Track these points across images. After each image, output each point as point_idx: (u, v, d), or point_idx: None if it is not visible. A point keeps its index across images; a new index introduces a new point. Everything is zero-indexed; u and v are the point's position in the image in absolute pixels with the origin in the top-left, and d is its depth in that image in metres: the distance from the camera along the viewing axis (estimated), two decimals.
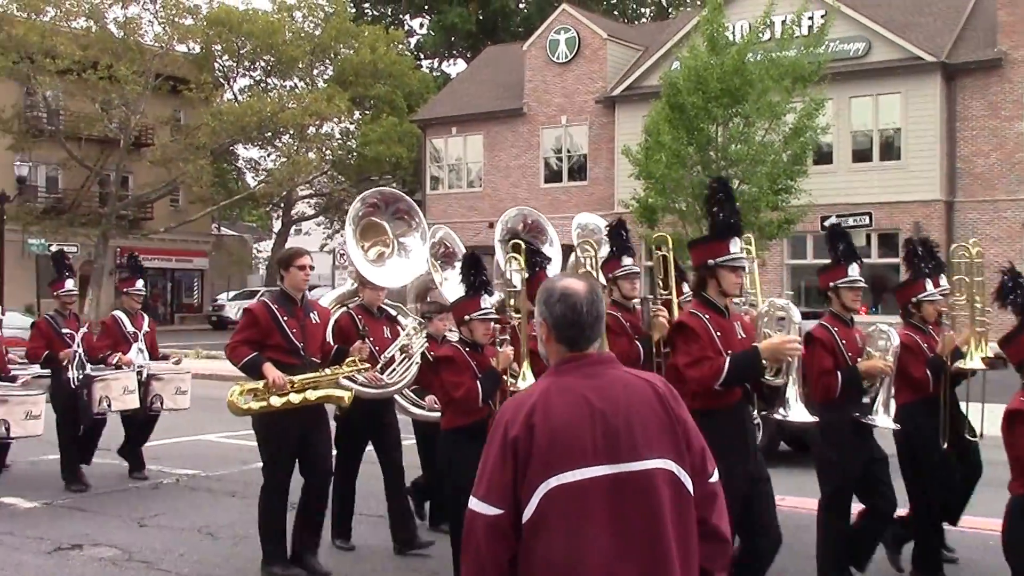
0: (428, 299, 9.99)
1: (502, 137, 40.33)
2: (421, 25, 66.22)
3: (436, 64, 66.65)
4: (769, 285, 34.28)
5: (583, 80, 38.49)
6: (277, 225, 59.77)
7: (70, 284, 11.86)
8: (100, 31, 44.12)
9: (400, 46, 55.35)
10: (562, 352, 3.39)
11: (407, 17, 65.83)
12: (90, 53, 42.41)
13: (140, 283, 12.27)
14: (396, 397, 9.07)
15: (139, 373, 11.74)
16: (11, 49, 41.21)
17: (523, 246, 7.89)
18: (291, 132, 47.87)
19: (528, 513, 3.18)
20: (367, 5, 64.89)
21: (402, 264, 9.45)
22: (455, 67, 64.43)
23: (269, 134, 48.19)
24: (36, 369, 12.34)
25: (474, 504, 3.25)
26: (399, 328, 9.15)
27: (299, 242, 66.42)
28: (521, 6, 62.37)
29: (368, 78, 50.12)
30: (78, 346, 11.29)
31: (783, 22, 26.65)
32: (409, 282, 9.73)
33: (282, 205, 55.68)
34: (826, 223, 23.25)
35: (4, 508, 10.51)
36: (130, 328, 12.01)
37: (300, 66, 50.62)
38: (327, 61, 52.20)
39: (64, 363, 11.28)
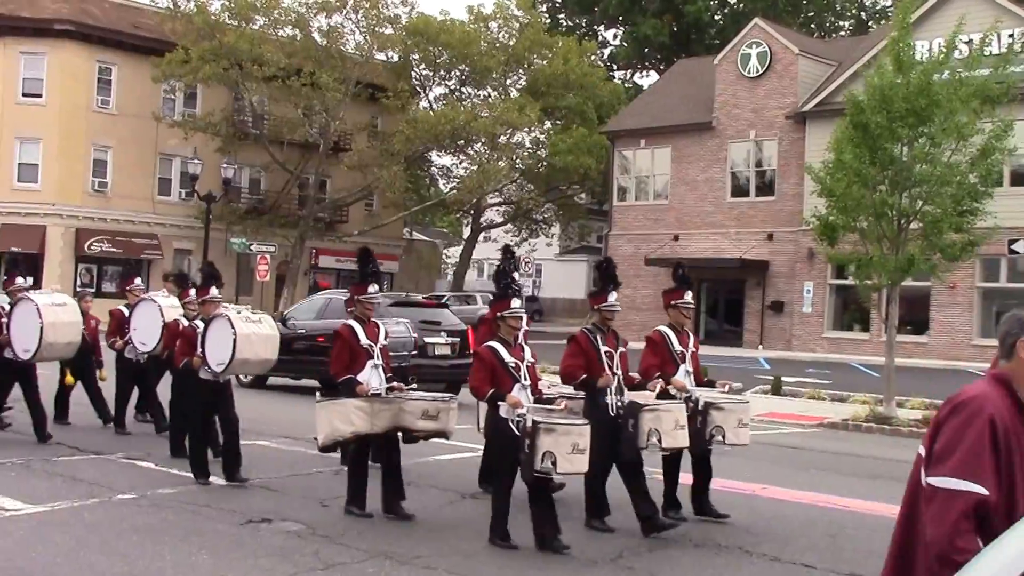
0: None
1: (690, 150, 40.25)
2: (615, 36, 66.64)
3: (628, 75, 66.87)
4: (959, 308, 33.26)
5: (774, 95, 38.10)
6: (467, 232, 60.97)
7: (612, 298, 9.96)
8: (305, 39, 45.94)
9: (593, 57, 55.67)
10: None
11: (601, 28, 66.29)
12: (295, 61, 44.26)
13: (614, 296, 10.11)
14: None
15: (692, 402, 10.12)
16: (223, 56, 43.30)
17: None
18: (483, 140, 48.71)
19: None
20: (562, 16, 65.61)
21: None
22: (647, 78, 64.57)
23: (461, 142, 49.15)
24: (566, 389, 10.67)
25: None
26: None
27: (486, 249, 67.73)
28: (717, 18, 62.02)
29: (560, 89, 50.58)
30: (617, 368, 9.74)
31: (982, 39, 25.85)
32: None
33: (472, 212, 56.71)
34: (1013, 246, 22.52)
35: (202, 484, 11.21)
36: (677, 347, 10.40)
37: (494, 76, 51.38)
38: (520, 71, 52.88)
39: (601, 388, 9.70)
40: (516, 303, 9.24)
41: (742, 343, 38.16)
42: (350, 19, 46.72)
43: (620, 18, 63.18)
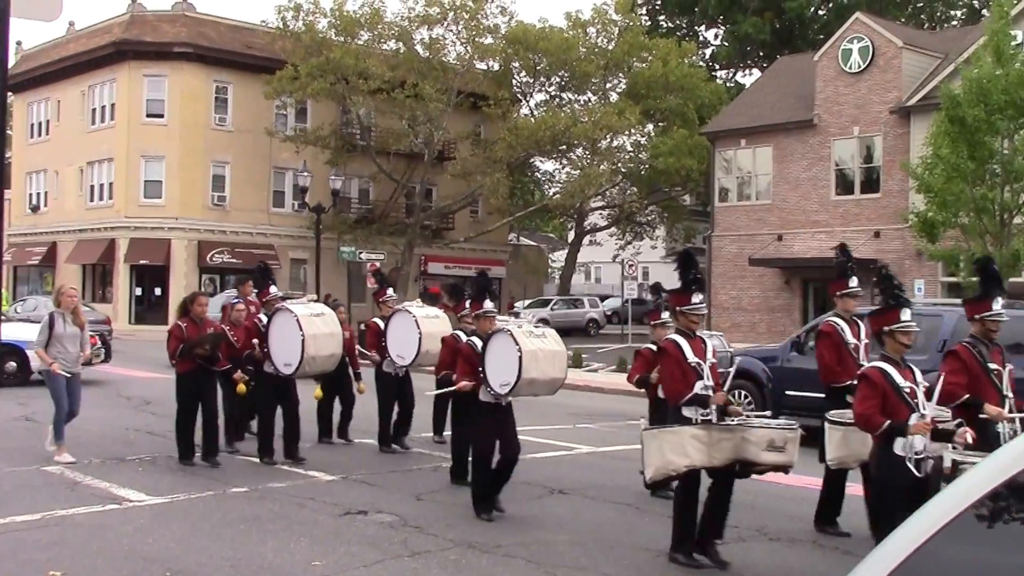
0: None
1: (792, 149, 40.11)
2: (716, 36, 66.47)
3: (731, 75, 66.65)
4: None
5: (876, 90, 37.79)
6: (572, 236, 61.50)
7: (998, 305, 8.62)
8: (408, 52, 46.93)
9: (693, 57, 55.68)
10: None
11: (702, 28, 66.18)
12: (398, 73, 45.24)
13: (999, 303, 8.76)
14: None
15: None
16: (330, 72, 44.53)
17: None
18: (584, 145, 49.15)
19: None
20: (662, 17, 65.70)
21: None
22: (750, 77, 64.29)
23: (563, 147, 49.66)
24: None
25: None
26: None
27: (591, 253, 68.21)
28: (820, 13, 61.52)
29: (659, 91, 50.61)
30: (1007, 388, 8.43)
31: None
32: None
33: (575, 216, 57.23)
34: None
35: (309, 480, 12.10)
36: (992, 366, 8.76)
37: (593, 80, 51.73)
38: (620, 75, 53.16)
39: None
40: (906, 315, 7.77)
41: None
42: (451, 31, 47.58)
43: (720, 17, 63.03)
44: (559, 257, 69.85)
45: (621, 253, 55.70)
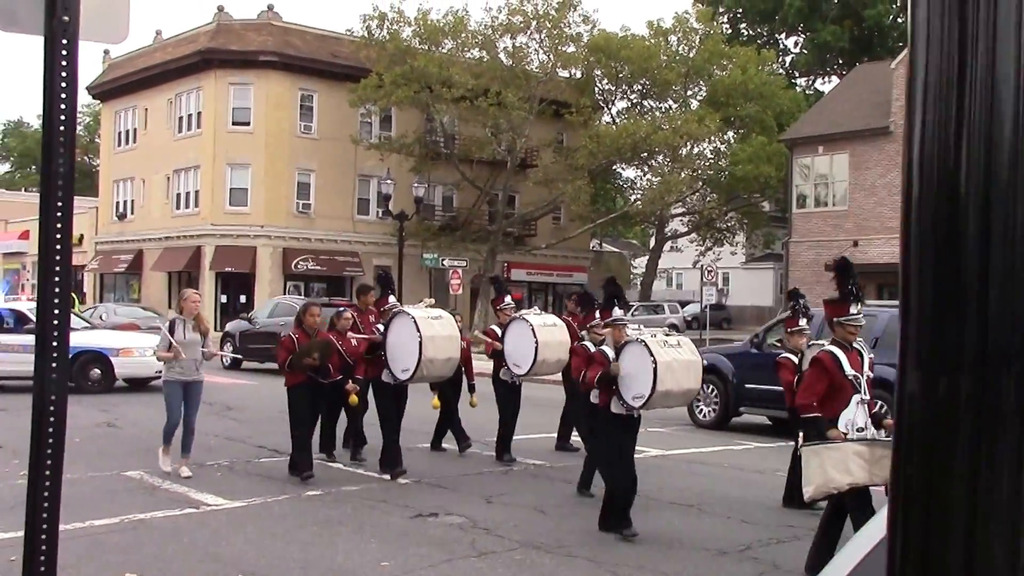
0: None
1: (868, 156, 39.94)
2: (796, 44, 66.26)
3: (810, 82, 66.35)
4: None
5: None
6: (653, 242, 61.56)
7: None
8: (491, 60, 47.28)
9: (773, 65, 55.51)
10: None
11: (782, 36, 65.99)
12: (482, 82, 45.54)
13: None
14: None
15: None
16: (414, 80, 45.02)
17: None
18: (664, 153, 49.20)
19: None
20: (743, 25, 65.60)
21: None
22: (829, 84, 63.98)
23: (644, 155, 49.74)
24: None
25: None
26: None
27: (672, 259, 68.20)
28: (899, 20, 60.97)
29: (739, 98, 50.62)
30: None
31: None
32: None
33: (656, 222, 57.26)
34: None
35: (383, 483, 12.51)
36: None
37: (674, 88, 51.82)
38: (700, 83, 53.17)
39: None
40: None
41: None
42: (534, 39, 47.80)
43: (800, 26, 62.84)
44: (641, 263, 69.91)
45: (701, 259, 55.60)
